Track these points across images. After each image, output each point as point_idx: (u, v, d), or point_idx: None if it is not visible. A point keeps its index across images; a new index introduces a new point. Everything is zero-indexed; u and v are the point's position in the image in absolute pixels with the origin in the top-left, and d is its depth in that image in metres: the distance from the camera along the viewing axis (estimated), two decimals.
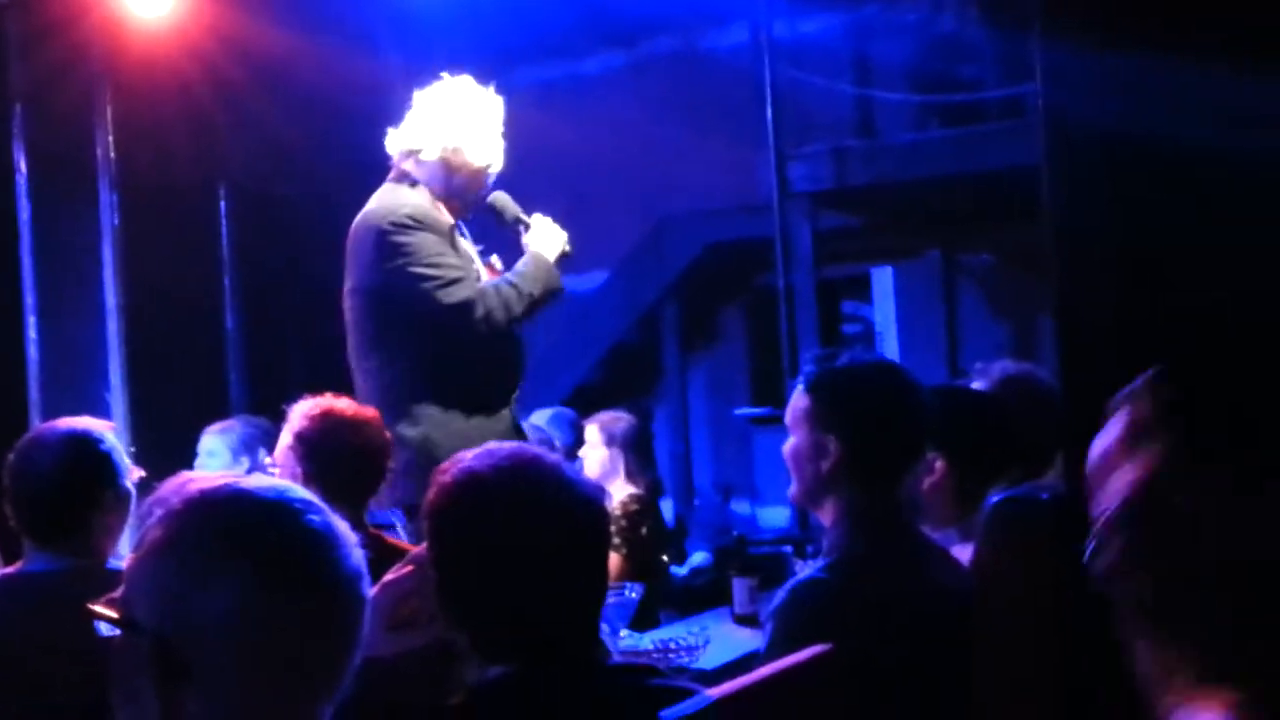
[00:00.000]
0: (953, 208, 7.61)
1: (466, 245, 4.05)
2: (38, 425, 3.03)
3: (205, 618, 1.39)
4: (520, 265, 4.03)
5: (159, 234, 5.86)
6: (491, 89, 4.08)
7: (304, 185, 6.29)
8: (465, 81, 4.07)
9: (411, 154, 4.00)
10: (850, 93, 7.39)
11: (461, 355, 3.93)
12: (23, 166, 5.69)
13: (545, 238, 4.06)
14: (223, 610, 1.39)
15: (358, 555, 1.48)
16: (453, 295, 3.85)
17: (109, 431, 3.04)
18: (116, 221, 5.76)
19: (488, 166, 4.04)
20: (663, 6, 7.72)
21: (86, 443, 2.94)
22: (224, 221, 6.52)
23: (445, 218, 3.98)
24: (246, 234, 6.55)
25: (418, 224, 3.88)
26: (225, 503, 1.45)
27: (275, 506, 1.46)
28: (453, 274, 3.86)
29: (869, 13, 7.23)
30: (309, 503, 1.48)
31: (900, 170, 7.09)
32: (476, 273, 3.99)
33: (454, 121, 3.99)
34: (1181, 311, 2.04)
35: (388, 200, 3.96)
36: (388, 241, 3.87)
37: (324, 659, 1.45)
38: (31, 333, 5.64)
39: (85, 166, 5.73)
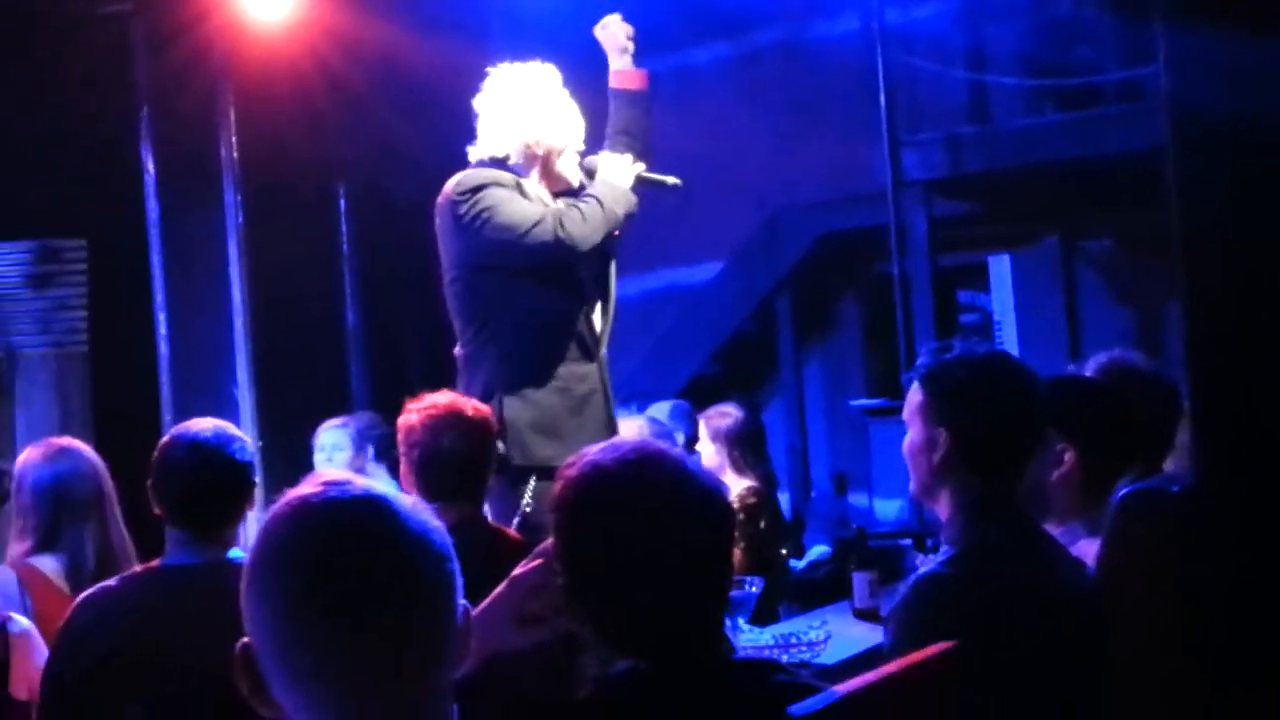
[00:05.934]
0: (1070, 193, 7.46)
1: (537, 190, 4.08)
2: (176, 428, 3.14)
3: (262, 624, 1.41)
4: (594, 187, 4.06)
5: (281, 232, 5.99)
6: (537, 64, 4.13)
7: (420, 183, 6.37)
8: (505, 71, 4.13)
9: (499, 161, 4.08)
10: (963, 78, 7.28)
11: (544, 317, 4.04)
12: (150, 167, 5.85)
13: (614, 166, 4.11)
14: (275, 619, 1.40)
15: (433, 539, 1.44)
16: (535, 238, 3.93)
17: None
18: (240, 220, 5.89)
19: (555, 142, 4.08)
20: None
21: (238, 445, 3.06)
22: (343, 219, 6.64)
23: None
24: (365, 231, 6.66)
25: (480, 185, 3.97)
26: (285, 518, 1.44)
27: (335, 515, 1.42)
28: (528, 222, 3.93)
29: None
30: (384, 501, 1.43)
31: (1016, 156, 6.97)
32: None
33: (509, 113, 4.07)
34: None
35: (456, 176, 4.06)
36: (460, 211, 3.97)
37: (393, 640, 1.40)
38: (162, 329, 5.80)
39: (210, 167, 5.88)
